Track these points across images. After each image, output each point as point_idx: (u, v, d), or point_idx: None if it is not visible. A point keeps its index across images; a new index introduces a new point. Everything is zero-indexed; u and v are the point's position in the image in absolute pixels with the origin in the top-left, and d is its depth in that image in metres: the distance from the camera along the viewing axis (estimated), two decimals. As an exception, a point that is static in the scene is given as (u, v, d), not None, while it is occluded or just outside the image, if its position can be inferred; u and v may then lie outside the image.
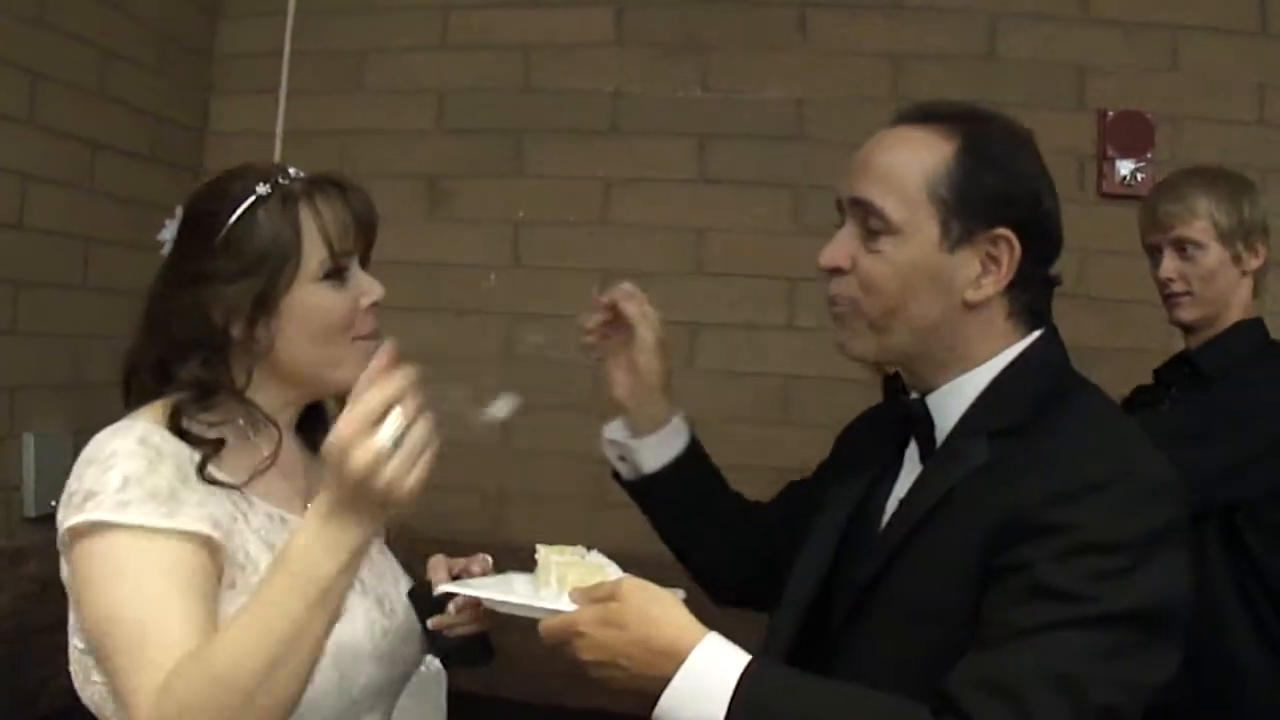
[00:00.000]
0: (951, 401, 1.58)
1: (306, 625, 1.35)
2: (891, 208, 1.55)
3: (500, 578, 1.67)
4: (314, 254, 1.62)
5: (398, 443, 1.32)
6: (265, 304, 1.60)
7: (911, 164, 1.56)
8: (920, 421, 1.61)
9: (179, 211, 1.69)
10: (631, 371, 1.95)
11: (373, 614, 1.66)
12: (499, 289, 3.92)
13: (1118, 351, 3.03)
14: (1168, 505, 1.43)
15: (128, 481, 1.47)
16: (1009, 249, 1.53)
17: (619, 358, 1.96)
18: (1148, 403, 2.64)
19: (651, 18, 3.86)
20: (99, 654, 1.46)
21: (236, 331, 1.61)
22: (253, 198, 1.61)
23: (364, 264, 1.71)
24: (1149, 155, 3.54)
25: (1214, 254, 2.59)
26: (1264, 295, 2.69)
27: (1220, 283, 2.61)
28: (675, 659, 1.42)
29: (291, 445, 1.72)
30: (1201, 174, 2.68)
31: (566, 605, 1.51)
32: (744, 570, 1.97)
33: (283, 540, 1.58)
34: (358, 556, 1.38)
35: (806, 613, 1.64)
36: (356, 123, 4.00)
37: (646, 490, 1.98)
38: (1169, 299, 2.66)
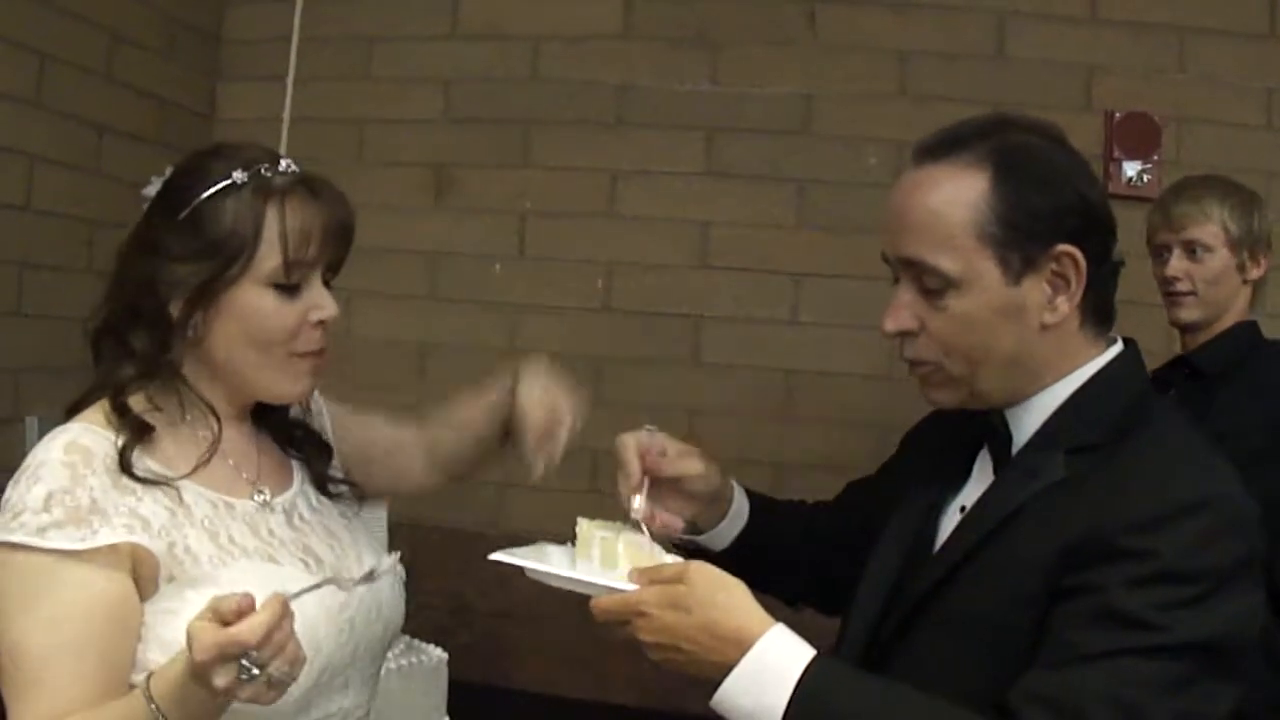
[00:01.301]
0: (1030, 415, 1.55)
1: None
2: (946, 263, 1.50)
3: (534, 548, 1.63)
4: (269, 257, 1.56)
5: (260, 666, 1.31)
6: (207, 294, 1.56)
7: (952, 209, 1.49)
8: (995, 433, 1.59)
9: (168, 171, 1.64)
10: (689, 499, 1.82)
11: (325, 591, 1.59)
12: (504, 279, 3.92)
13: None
14: (1247, 537, 1.40)
15: (50, 499, 1.45)
16: (1073, 263, 1.49)
17: (670, 500, 1.80)
18: None
19: (661, 11, 3.86)
20: None
21: (175, 311, 1.57)
22: (226, 182, 1.56)
23: (334, 273, 1.66)
24: (1155, 157, 3.54)
25: (1221, 259, 2.65)
26: (1263, 302, 2.72)
27: (1223, 288, 2.66)
28: (740, 646, 1.42)
29: (241, 431, 1.69)
30: (1216, 181, 2.74)
31: (625, 584, 1.50)
32: (807, 576, 1.92)
33: (227, 527, 1.58)
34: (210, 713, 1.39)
35: (878, 621, 1.62)
36: (364, 111, 3.99)
37: (714, 561, 1.91)
38: (1171, 298, 2.70)
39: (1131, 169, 3.54)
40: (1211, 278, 2.65)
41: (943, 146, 1.54)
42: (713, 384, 3.76)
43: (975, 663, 1.44)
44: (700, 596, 1.45)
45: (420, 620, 1.83)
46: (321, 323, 1.62)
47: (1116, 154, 3.56)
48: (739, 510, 1.89)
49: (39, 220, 3.23)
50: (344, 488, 1.81)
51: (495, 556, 1.57)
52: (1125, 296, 2.99)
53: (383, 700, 1.79)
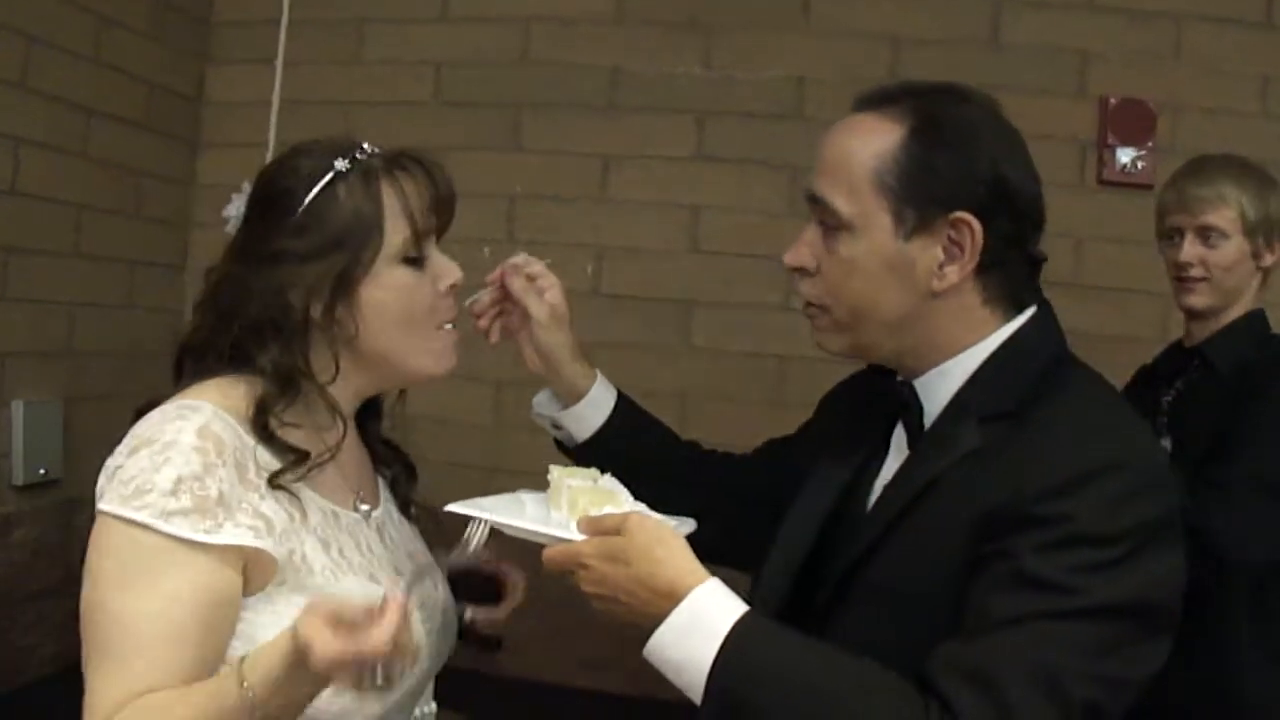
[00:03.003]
0: (940, 386, 1.56)
1: None
2: (841, 203, 1.53)
3: (511, 496, 1.66)
4: (397, 232, 1.57)
5: (385, 672, 1.36)
6: (346, 284, 1.55)
7: (859, 154, 1.53)
8: (908, 406, 1.59)
9: (246, 187, 1.64)
10: (538, 351, 1.92)
11: (426, 602, 1.63)
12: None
13: (1114, 339, 3.03)
14: (1162, 497, 1.41)
15: (180, 484, 1.42)
16: (970, 233, 1.49)
17: (525, 332, 1.92)
18: (1144, 395, 2.61)
19: (653, -6, 3.84)
20: (85, 634, 1.43)
21: (316, 314, 1.56)
22: (331, 173, 1.57)
23: (438, 241, 1.67)
24: (1150, 144, 3.52)
25: (1236, 245, 2.58)
26: (1268, 289, 2.68)
27: (1237, 275, 2.60)
28: (673, 599, 1.42)
29: (350, 438, 1.68)
30: (1232, 163, 2.67)
31: (573, 534, 1.51)
32: (722, 521, 1.88)
33: (337, 538, 1.58)
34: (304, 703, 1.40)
35: (789, 593, 1.62)
36: (354, 93, 3.96)
37: (587, 457, 1.91)
38: (1182, 283, 2.63)
39: (1126, 156, 3.51)
40: (1226, 264, 2.58)
41: (877, 98, 1.59)
42: (703, 369, 3.75)
43: (900, 636, 1.44)
44: (638, 548, 1.45)
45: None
46: (452, 287, 1.66)
47: (1111, 140, 3.54)
48: (601, 395, 1.95)
49: (25, 204, 3.20)
50: (420, 513, 1.84)
51: (451, 508, 1.58)
52: (1124, 283, 3.00)
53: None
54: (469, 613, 1.81)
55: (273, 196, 1.60)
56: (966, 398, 1.54)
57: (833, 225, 1.54)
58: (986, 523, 1.40)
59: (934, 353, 1.56)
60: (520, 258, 1.92)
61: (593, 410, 1.94)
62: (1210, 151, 2.78)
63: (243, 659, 1.38)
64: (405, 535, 1.77)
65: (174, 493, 1.42)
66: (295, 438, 1.56)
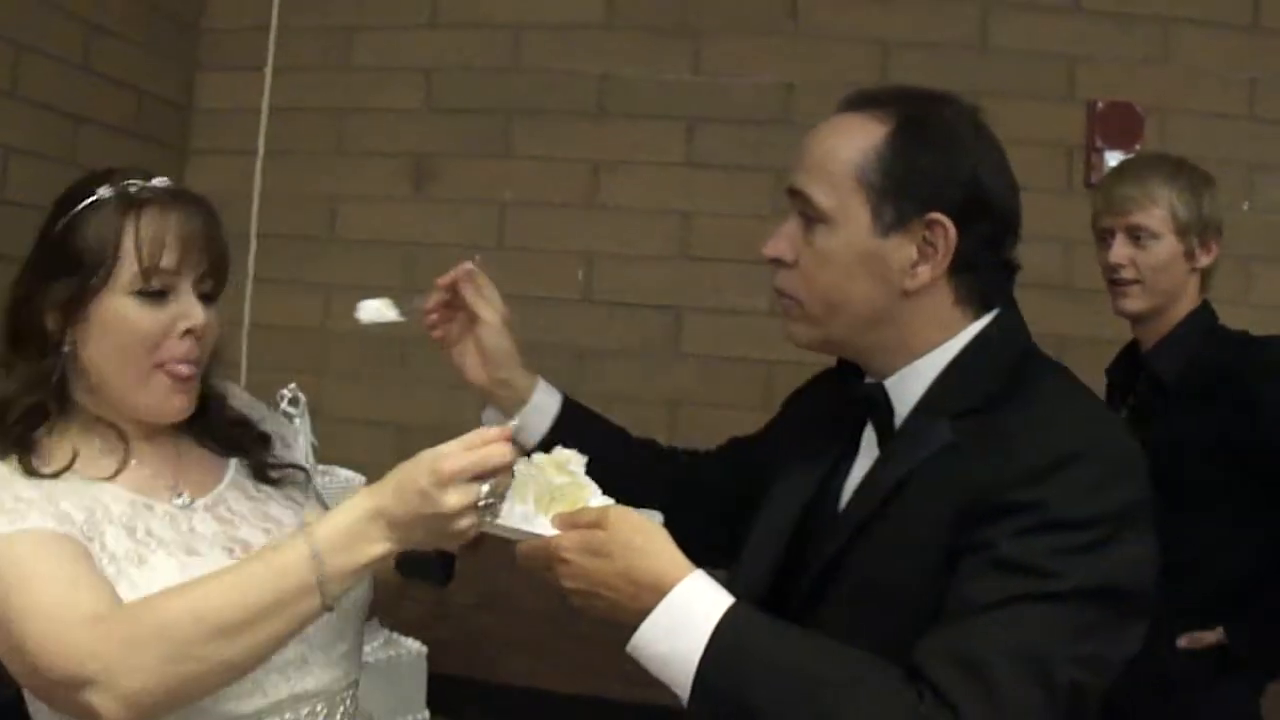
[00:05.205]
0: (909, 385, 1.57)
1: (284, 604, 1.41)
2: (821, 196, 1.55)
3: None
4: (128, 266, 1.60)
5: (486, 503, 1.41)
6: (75, 306, 1.60)
7: (842, 150, 1.55)
8: (878, 406, 1.59)
9: None
10: (481, 354, 1.89)
11: None
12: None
13: (1102, 343, 3.03)
14: (1133, 481, 1.43)
15: None
16: (944, 234, 1.51)
17: (466, 343, 1.89)
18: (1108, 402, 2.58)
19: (642, 0, 3.85)
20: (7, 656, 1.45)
21: (51, 327, 1.61)
22: (91, 199, 1.61)
23: (213, 285, 1.67)
24: (1138, 147, 3.53)
25: (1168, 246, 2.53)
26: (1214, 289, 2.63)
27: (1170, 277, 2.54)
28: (658, 592, 1.42)
29: (155, 444, 1.69)
30: (1163, 162, 2.62)
31: (549, 530, 1.50)
32: (683, 517, 1.91)
33: (145, 521, 1.60)
34: (364, 571, 1.45)
35: (766, 595, 1.61)
36: (343, 100, 3.98)
37: None
38: (1116, 286, 2.58)
39: (1114, 159, 3.52)
40: (1158, 265, 2.52)
41: (863, 100, 1.61)
42: (693, 375, 3.76)
43: (880, 635, 1.43)
44: (619, 542, 1.45)
45: (399, 614, 1.82)
46: (189, 332, 1.64)
47: (1099, 144, 3.55)
48: (545, 399, 1.92)
49: (14, 212, 3.19)
50: (286, 471, 1.82)
51: None
52: (1097, 286, 3.00)
53: (361, 694, 1.78)
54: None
55: (52, 213, 1.66)
56: (936, 396, 1.55)
57: (812, 218, 1.56)
58: (963, 516, 1.41)
59: (904, 351, 1.57)
60: (471, 265, 1.88)
61: (539, 416, 1.91)
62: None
63: (308, 524, 1.45)
64: (265, 503, 1.76)
65: None
66: (65, 444, 1.61)
